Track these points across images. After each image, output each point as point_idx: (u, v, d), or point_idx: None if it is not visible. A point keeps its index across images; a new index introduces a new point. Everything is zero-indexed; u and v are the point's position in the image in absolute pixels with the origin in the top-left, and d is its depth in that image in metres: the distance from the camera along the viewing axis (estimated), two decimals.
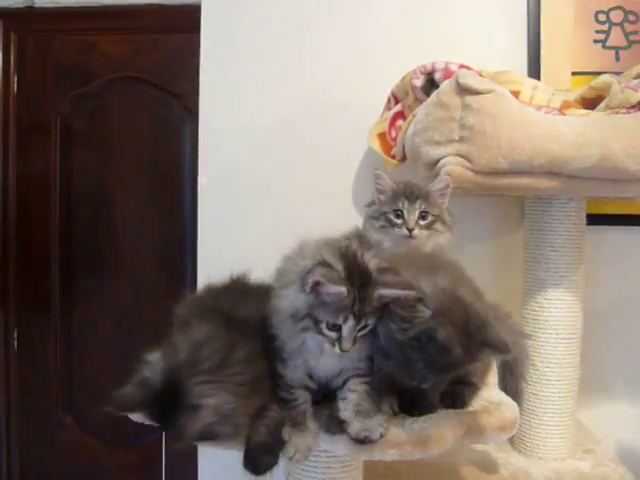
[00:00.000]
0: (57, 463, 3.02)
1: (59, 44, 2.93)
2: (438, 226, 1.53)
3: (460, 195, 1.58)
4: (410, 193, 1.53)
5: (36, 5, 2.88)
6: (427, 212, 1.52)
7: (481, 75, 1.77)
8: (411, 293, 1.09)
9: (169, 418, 1.08)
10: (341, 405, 1.21)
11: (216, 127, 2.14)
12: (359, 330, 1.12)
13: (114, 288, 2.92)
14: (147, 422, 1.13)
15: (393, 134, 1.90)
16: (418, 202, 1.51)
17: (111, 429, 2.89)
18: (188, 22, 2.38)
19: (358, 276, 1.09)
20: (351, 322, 1.11)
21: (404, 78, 1.85)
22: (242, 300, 1.28)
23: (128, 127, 2.95)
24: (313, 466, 1.31)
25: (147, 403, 1.09)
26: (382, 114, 1.96)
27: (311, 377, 1.24)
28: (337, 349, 1.12)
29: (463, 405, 1.31)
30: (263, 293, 1.24)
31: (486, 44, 2.04)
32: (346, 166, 2.09)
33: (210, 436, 1.11)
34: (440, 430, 1.21)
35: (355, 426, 1.17)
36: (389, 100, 1.94)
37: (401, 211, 1.51)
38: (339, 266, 1.08)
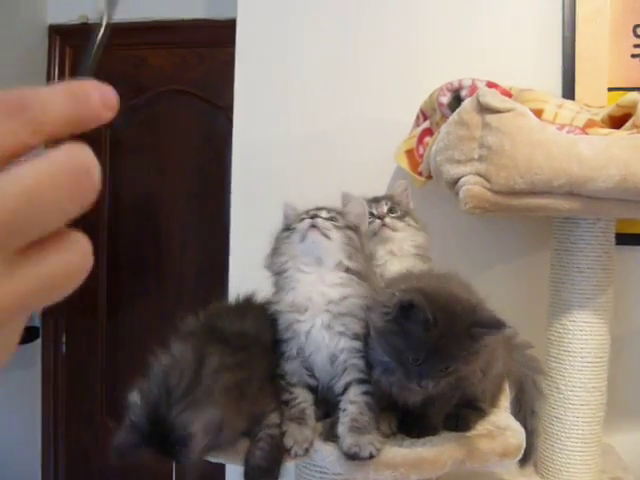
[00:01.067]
0: (101, 464, 3.11)
1: (111, 58, 3.03)
2: (411, 221, 1.53)
3: (481, 215, 1.56)
4: (373, 199, 1.56)
5: (90, 21, 2.98)
6: (394, 208, 1.54)
7: (510, 92, 1.75)
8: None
9: (170, 452, 1.08)
10: (340, 416, 1.23)
11: (249, 140, 2.17)
12: (330, 219, 1.29)
13: (159, 294, 3.00)
14: None
15: (421, 151, 1.89)
16: (383, 201, 1.54)
17: None
18: (233, 36, 2.43)
19: None
20: (313, 211, 1.33)
21: (432, 95, 1.84)
22: (238, 316, 1.30)
23: (175, 138, 3.03)
24: None
25: (143, 445, 1.10)
26: (411, 131, 1.95)
27: (311, 375, 1.28)
28: (306, 220, 1.29)
29: (466, 428, 1.30)
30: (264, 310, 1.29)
31: (519, 60, 2.01)
32: (377, 182, 2.09)
33: (213, 451, 1.14)
34: (438, 453, 1.20)
35: (346, 441, 1.18)
36: (418, 117, 1.93)
37: (371, 213, 1.51)
38: None
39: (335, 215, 1.32)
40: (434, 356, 1.10)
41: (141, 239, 3.04)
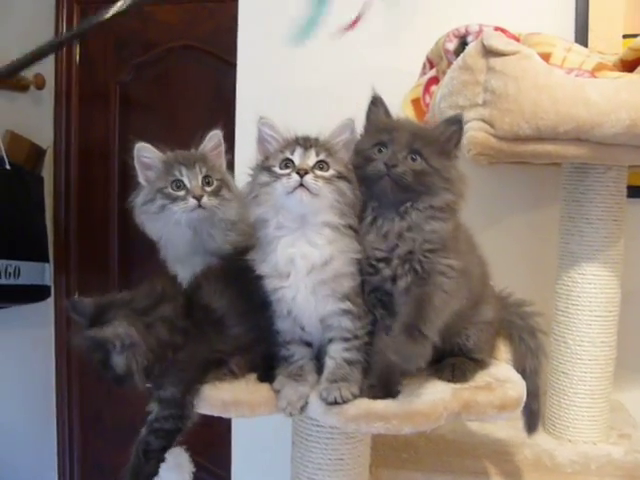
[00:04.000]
0: (114, 422, 3.14)
1: (119, 14, 2.98)
2: (225, 193, 1.35)
3: (486, 163, 1.50)
4: (185, 159, 1.33)
5: None
6: (210, 176, 1.33)
7: (518, 38, 1.68)
8: None
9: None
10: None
11: (254, 94, 2.13)
12: (319, 167, 1.16)
13: None
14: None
15: (427, 100, 1.83)
16: (197, 166, 1.32)
17: None
18: None
19: None
20: (300, 150, 1.16)
21: (438, 42, 1.77)
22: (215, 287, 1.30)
23: (185, 95, 2.98)
24: (316, 437, 1.31)
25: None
26: (417, 79, 1.89)
27: (303, 329, 1.24)
28: (293, 177, 1.13)
29: (463, 379, 1.27)
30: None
31: (529, 6, 1.93)
32: None
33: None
34: (432, 404, 1.17)
35: (319, 388, 1.18)
36: (424, 65, 1.87)
37: (180, 180, 1.30)
38: None
39: (325, 158, 1.16)
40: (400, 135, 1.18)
41: None
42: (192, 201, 1.29)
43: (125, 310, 1.18)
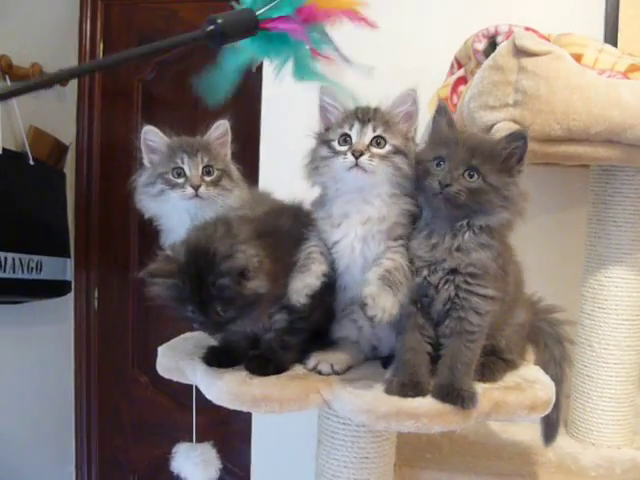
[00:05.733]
0: (132, 418, 3.16)
1: (142, 12, 3.01)
2: (226, 183, 1.36)
3: None
4: (189, 146, 1.35)
5: None
6: (211, 166, 1.35)
7: (548, 39, 1.67)
8: None
9: (204, 281, 1.13)
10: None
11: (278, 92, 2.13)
12: (376, 143, 1.18)
13: None
14: (173, 301, 1.17)
15: (455, 100, 1.82)
16: (199, 155, 1.34)
17: (183, 390, 2.97)
18: None
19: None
20: (357, 125, 1.19)
21: (467, 42, 1.77)
22: (275, 214, 1.34)
23: None
24: (342, 435, 1.30)
25: (177, 272, 1.15)
26: (445, 79, 1.89)
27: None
28: (349, 157, 1.17)
29: (493, 378, 1.26)
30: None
31: (558, 7, 1.92)
32: None
33: (246, 291, 1.14)
34: None
35: (367, 288, 1.15)
36: (452, 65, 1.87)
37: (181, 168, 1.33)
38: None
39: (382, 133, 1.19)
40: (458, 150, 1.16)
41: None
42: (190, 190, 1.32)
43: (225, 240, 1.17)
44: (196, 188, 1.32)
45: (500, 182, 1.16)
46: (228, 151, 1.42)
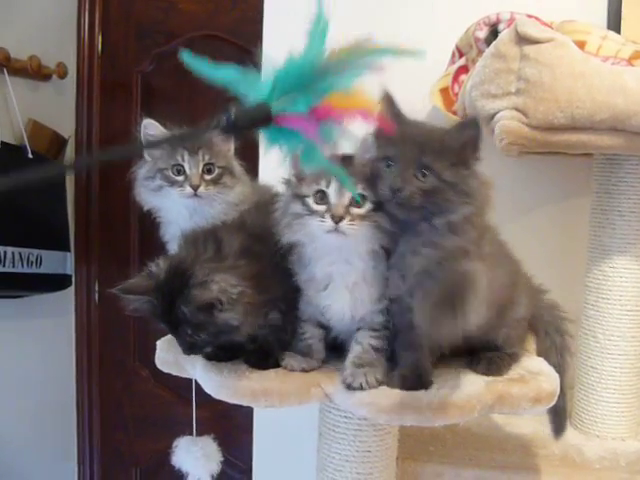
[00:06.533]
0: (133, 411, 3.15)
1: (141, 4, 2.98)
2: (227, 180, 1.33)
3: (518, 153, 1.48)
4: (189, 143, 1.32)
5: None
6: (212, 164, 1.31)
7: (551, 26, 1.65)
8: None
9: (175, 303, 1.10)
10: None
11: None
12: (355, 202, 1.09)
13: None
14: (149, 315, 1.16)
15: (456, 89, 1.80)
16: (201, 153, 1.30)
17: (185, 383, 2.96)
18: None
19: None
20: (335, 184, 1.07)
21: (468, 30, 1.75)
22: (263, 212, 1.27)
23: (206, 85, 2.97)
24: (344, 428, 1.29)
25: (153, 289, 1.13)
26: (446, 69, 1.87)
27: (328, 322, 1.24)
28: (328, 221, 1.07)
29: (498, 372, 1.24)
30: None
31: None
32: None
33: (217, 320, 1.12)
34: (465, 397, 1.15)
35: (344, 373, 1.17)
36: (453, 54, 1.84)
37: (181, 166, 1.30)
38: None
39: (362, 192, 1.09)
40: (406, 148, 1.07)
41: None
42: (189, 189, 1.30)
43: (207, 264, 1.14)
44: (195, 188, 1.30)
45: (457, 177, 1.07)
46: (231, 146, 1.38)
